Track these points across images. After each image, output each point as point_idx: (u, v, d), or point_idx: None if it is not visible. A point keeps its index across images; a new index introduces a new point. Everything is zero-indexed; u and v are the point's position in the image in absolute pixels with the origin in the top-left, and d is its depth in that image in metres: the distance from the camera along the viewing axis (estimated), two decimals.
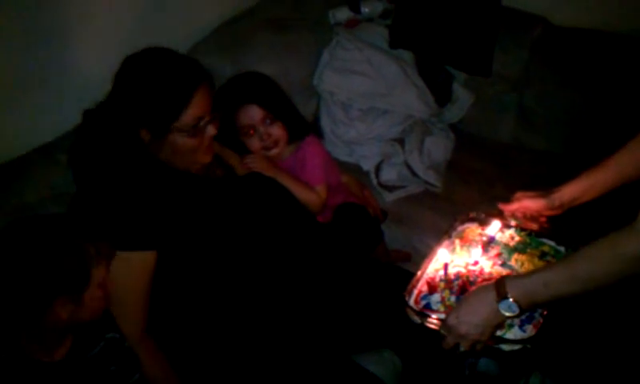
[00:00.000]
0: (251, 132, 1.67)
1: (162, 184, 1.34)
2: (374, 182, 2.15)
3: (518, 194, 1.56)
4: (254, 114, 1.66)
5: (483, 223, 1.56)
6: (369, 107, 2.23)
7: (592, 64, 2.25)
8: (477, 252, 1.46)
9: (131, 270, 1.26)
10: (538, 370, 1.67)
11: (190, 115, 1.30)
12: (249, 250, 1.40)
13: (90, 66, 1.66)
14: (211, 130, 1.36)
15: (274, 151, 1.70)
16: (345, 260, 1.59)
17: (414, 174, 2.15)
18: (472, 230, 1.55)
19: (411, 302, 1.34)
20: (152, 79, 1.31)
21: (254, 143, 1.68)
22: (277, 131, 1.69)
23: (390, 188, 2.13)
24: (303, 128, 1.79)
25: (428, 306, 1.33)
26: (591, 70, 2.24)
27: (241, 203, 1.46)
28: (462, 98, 2.41)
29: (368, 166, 2.20)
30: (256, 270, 1.40)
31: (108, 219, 1.26)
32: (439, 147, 2.24)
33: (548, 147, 2.32)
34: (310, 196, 1.68)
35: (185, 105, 1.30)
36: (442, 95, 2.36)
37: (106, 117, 1.33)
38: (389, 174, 2.16)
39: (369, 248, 1.79)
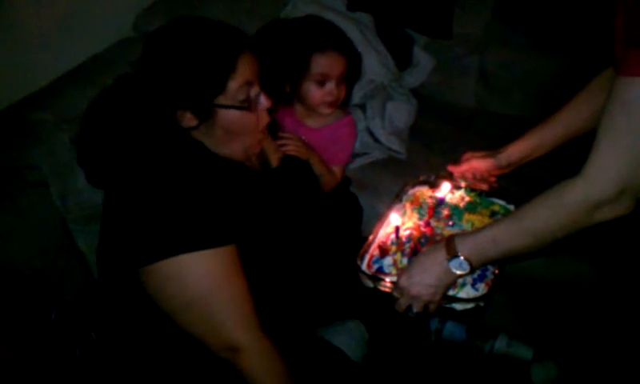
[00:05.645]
0: (323, 80, 1.55)
1: (216, 174, 1.17)
2: None
3: (467, 155, 1.56)
4: (339, 65, 1.54)
5: (433, 185, 1.56)
6: None
7: (554, 25, 2.22)
8: (427, 214, 1.46)
9: (225, 267, 1.11)
10: (504, 331, 1.67)
11: (237, 83, 1.14)
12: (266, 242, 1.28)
13: (30, 36, 1.55)
14: (265, 102, 1.20)
15: (328, 111, 1.62)
16: (333, 237, 1.51)
17: (377, 140, 2.12)
18: (422, 192, 1.56)
19: (363, 266, 1.33)
20: (186, 50, 1.13)
21: (317, 93, 1.57)
22: (342, 93, 1.61)
23: (353, 155, 2.09)
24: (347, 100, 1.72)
25: (380, 270, 1.33)
26: (553, 31, 2.22)
27: (284, 197, 1.36)
28: (423, 62, 2.37)
29: None
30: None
31: (173, 222, 1.07)
32: (401, 112, 2.20)
33: (510, 110, 2.30)
34: (331, 179, 1.65)
35: (229, 73, 1.13)
36: (402, 59, 2.31)
37: (130, 106, 1.15)
38: None
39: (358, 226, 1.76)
